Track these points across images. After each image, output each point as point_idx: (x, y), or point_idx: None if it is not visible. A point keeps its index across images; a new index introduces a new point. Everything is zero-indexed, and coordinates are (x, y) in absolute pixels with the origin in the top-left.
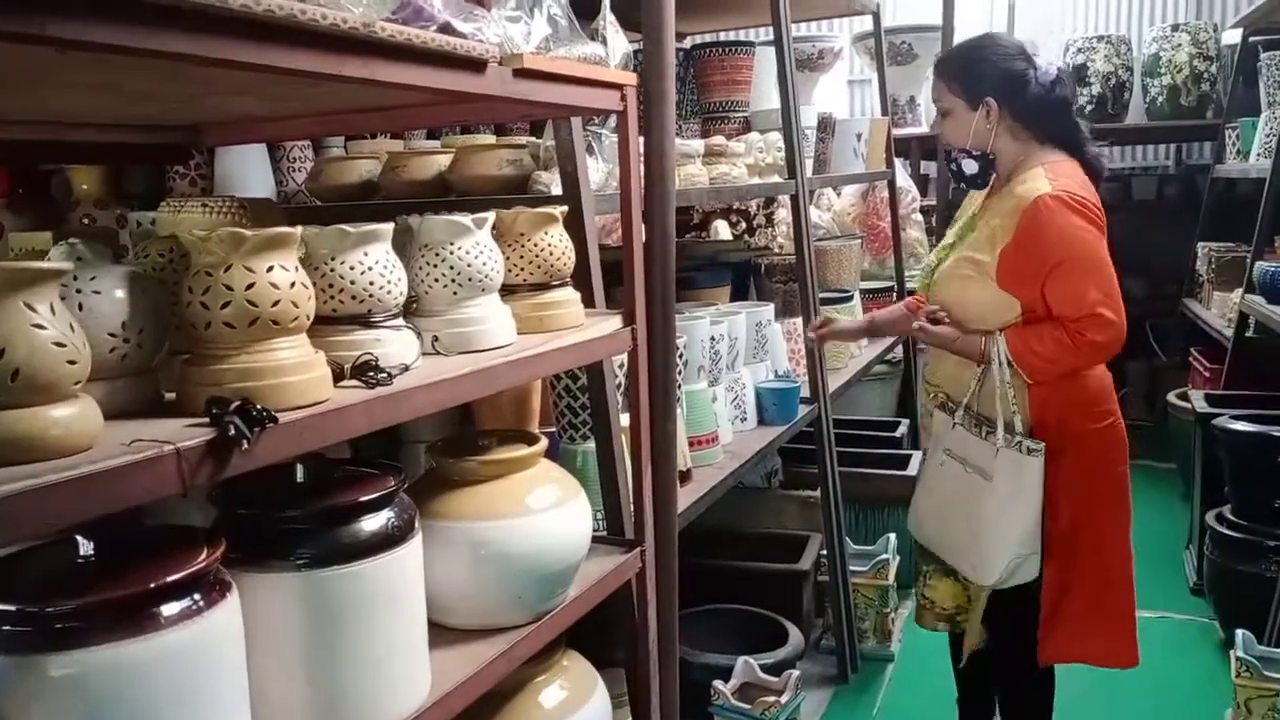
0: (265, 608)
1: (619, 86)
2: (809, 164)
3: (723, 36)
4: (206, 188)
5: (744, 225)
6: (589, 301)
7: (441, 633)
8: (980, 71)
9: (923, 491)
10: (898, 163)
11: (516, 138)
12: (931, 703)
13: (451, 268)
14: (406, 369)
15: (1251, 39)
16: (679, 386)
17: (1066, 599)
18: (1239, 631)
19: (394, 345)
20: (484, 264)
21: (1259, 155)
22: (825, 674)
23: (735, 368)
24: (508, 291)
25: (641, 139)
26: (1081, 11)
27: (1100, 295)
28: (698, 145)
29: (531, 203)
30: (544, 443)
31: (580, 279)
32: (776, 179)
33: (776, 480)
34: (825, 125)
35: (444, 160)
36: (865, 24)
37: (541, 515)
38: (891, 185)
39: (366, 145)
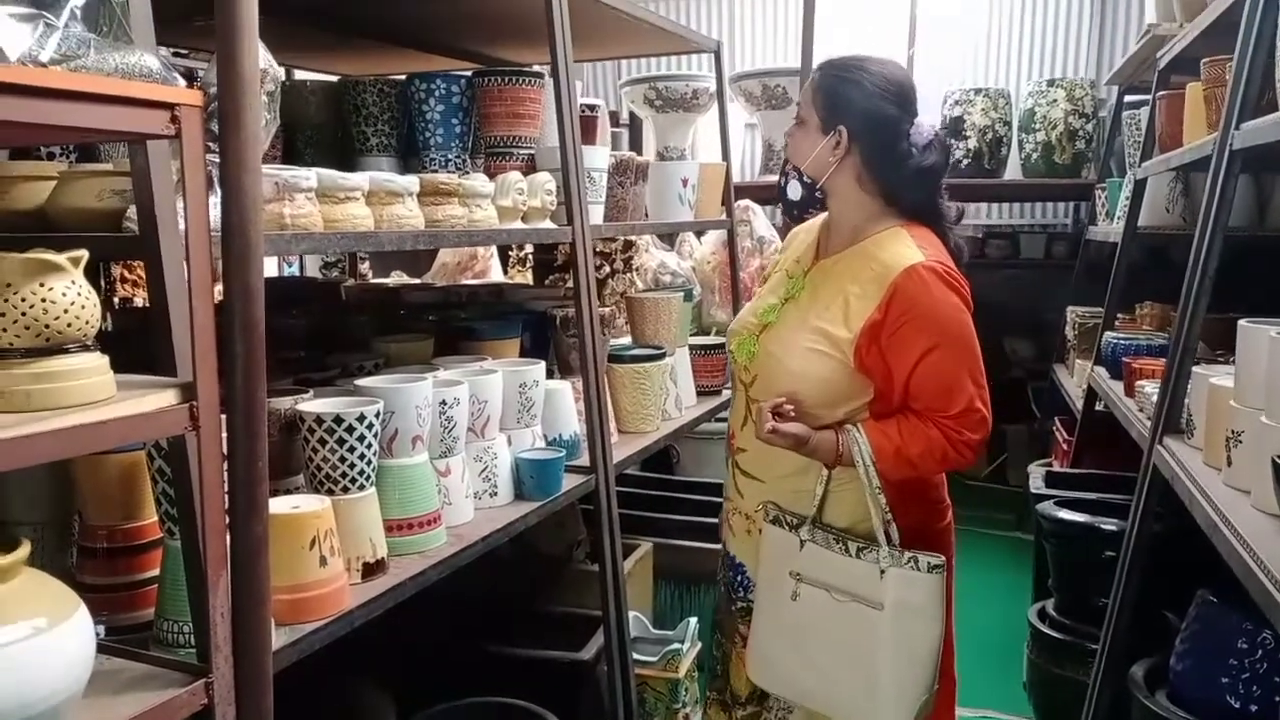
0: None
1: (169, 106)
2: (597, 210)
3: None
4: None
5: (606, 269)
6: (169, 369)
7: None
8: (847, 95)
9: (770, 631)
10: (761, 211)
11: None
12: None
13: None
14: None
15: (1126, 96)
16: (371, 462)
17: None
18: None
19: None
20: None
21: (1119, 219)
22: None
23: (486, 434)
24: None
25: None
26: (982, 67)
27: (975, 388)
28: (408, 182)
29: (118, 244)
30: (20, 553)
31: (161, 341)
32: (548, 224)
33: (581, 551)
34: (625, 168)
35: (48, 188)
36: (744, 65)
37: None
38: (731, 235)
39: (22, 165)
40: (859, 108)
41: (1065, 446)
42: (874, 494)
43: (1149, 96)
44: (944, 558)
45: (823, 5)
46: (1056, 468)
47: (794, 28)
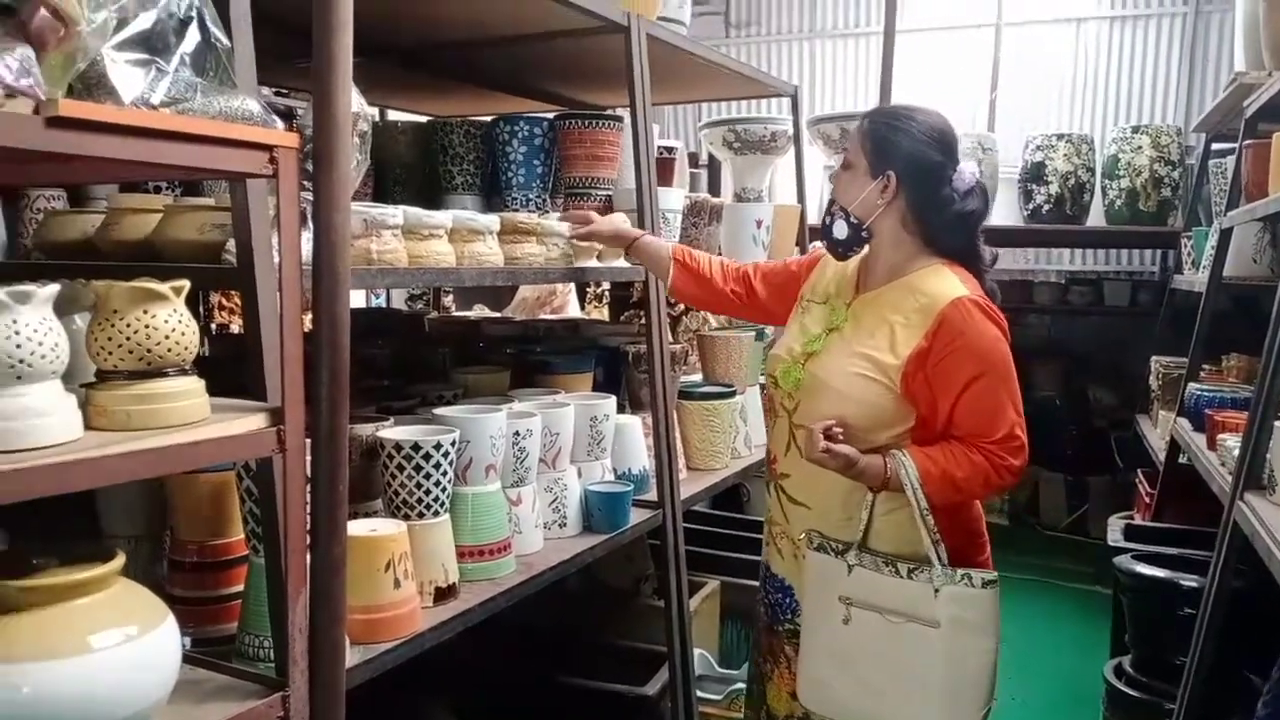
0: None
1: (268, 148)
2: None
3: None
4: None
5: (679, 306)
6: (260, 395)
7: None
8: (895, 142)
9: (820, 655)
10: None
11: None
12: None
13: None
14: None
15: (1214, 144)
16: (445, 489)
17: None
18: None
19: None
20: (19, 346)
21: (1204, 268)
22: None
23: (557, 465)
24: (102, 378)
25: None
26: (1066, 112)
27: (1016, 415)
28: (489, 220)
29: (216, 275)
30: (115, 563)
31: (252, 367)
32: (622, 263)
33: (648, 587)
34: (700, 209)
35: (155, 220)
36: (823, 108)
37: (65, 661)
38: None
39: (131, 198)
40: (906, 154)
41: (1147, 499)
42: (923, 515)
43: (1236, 145)
44: (996, 574)
45: (902, 50)
46: (1138, 521)
47: (872, 72)
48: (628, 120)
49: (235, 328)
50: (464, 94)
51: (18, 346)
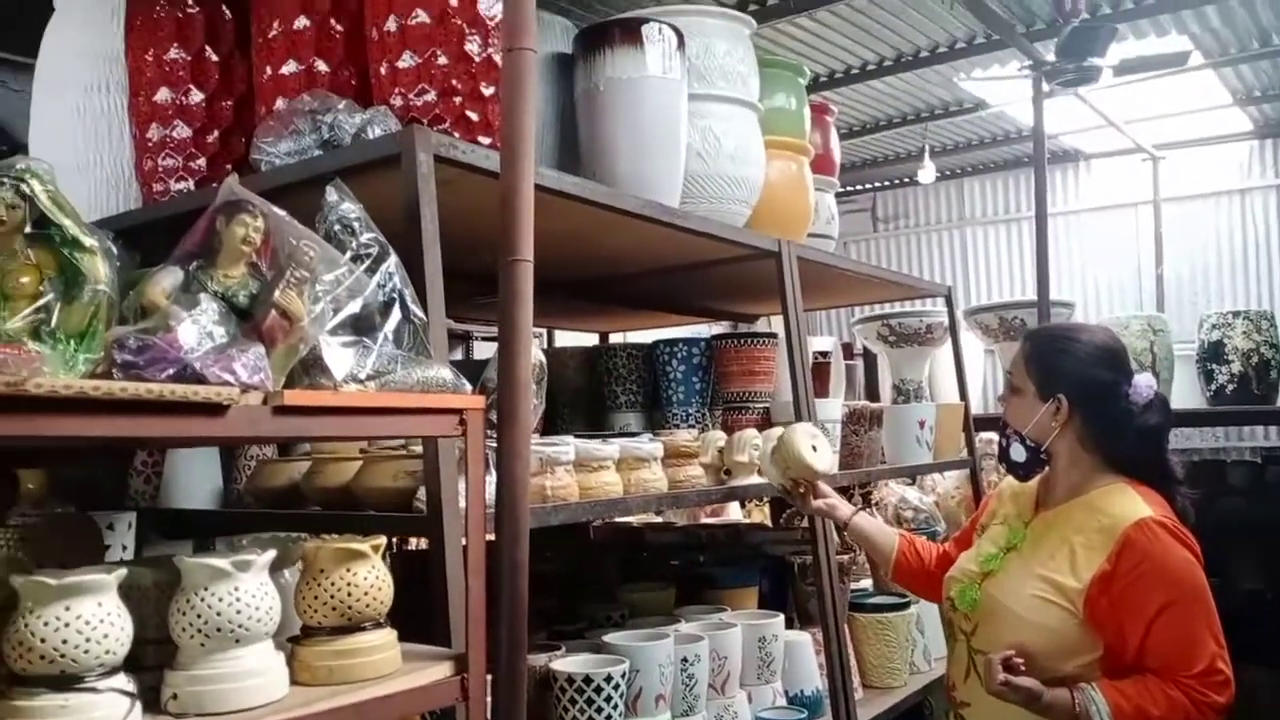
0: None
1: (458, 411)
2: (834, 458)
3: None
4: (159, 485)
5: None
6: (445, 641)
7: None
8: (1060, 365)
9: None
10: None
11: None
12: None
13: (199, 616)
14: None
15: None
16: None
17: None
18: None
19: (93, 711)
20: (239, 612)
21: None
22: None
23: (727, 691)
24: (307, 634)
25: None
26: (1240, 288)
27: (1217, 646)
28: (653, 448)
29: (407, 523)
30: None
31: (437, 608)
32: None
33: None
34: (859, 416)
35: (355, 468)
36: (979, 296)
37: None
38: (974, 473)
39: (331, 446)
40: (1075, 376)
41: None
42: None
43: None
44: None
45: (1059, 231)
46: None
47: (1027, 256)
48: (781, 335)
49: (412, 544)
50: (623, 313)
51: (238, 613)
